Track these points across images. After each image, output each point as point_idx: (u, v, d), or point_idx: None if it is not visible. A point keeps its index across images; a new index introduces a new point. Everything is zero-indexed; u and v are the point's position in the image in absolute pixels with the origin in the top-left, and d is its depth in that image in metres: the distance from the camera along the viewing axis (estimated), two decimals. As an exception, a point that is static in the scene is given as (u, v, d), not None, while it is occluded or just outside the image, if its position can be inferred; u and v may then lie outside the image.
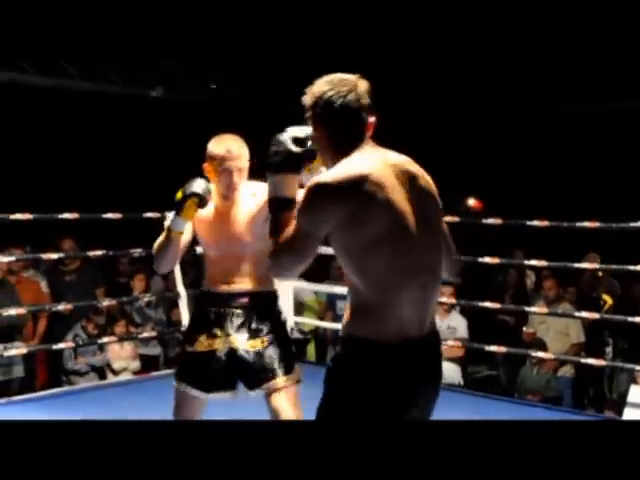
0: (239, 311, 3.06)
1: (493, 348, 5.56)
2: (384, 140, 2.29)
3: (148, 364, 6.58)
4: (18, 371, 6.01)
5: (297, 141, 2.23)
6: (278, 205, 2.20)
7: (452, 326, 6.23)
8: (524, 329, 6.36)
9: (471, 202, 11.22)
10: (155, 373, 6.19)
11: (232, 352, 3.04)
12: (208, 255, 3.18)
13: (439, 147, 10.24)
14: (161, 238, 3.05)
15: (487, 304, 5.65)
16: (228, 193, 3.06)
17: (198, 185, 2.97)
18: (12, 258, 5.91)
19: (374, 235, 2.06)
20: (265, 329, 3.07)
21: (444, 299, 6.10)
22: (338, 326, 6.53)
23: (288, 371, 3.09)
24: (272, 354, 3.06)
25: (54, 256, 5.92)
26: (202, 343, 3.09)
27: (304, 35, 8.81)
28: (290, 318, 6.42)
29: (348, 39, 8.74)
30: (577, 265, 5.34)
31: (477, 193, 10.86)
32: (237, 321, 3.06)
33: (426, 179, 2.24)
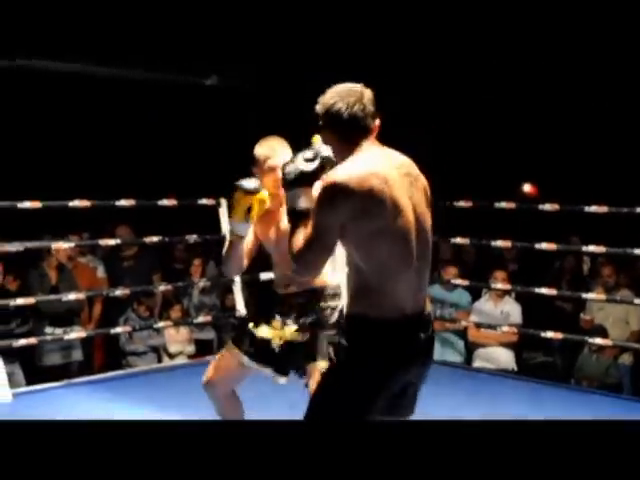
0: (293, 307, 3.23)
1: (549, 334, 5.49)
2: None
3: (203, 348, 6.67)
4: (77, 355, 6.14)
5: (308, 160, 2.55)
6: (295, 216, 2.51)
7: (506, 311, 6.16)
8: (582, 316, 6.25)
9: (527, 188, 11.09)
10: (209, 357, 6.25)
11: (284, 344, 3.23)
12: (270, 253, 3.33)
13: (497, 133, 10.13)
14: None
15: (543, 290, 5.58)
16: (276, 190, 3.14)
17: (244, 181, 3.11)
18: (71, 244, 6.03)
19: (378, 226, 2.34)
20: (312, 322, 3.22)
21: (498, 285, 6.05)
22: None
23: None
24: (319, 343, 3.21)
25: (111, 242, 6.03)
26: (262, 330, 3.27)
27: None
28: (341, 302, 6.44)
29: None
30: (637, 251, 5.22)
31: (533, 179, 10.74)
32: (291, 316, 3.23)
33: (422, 178, 2.53)
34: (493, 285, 6.08)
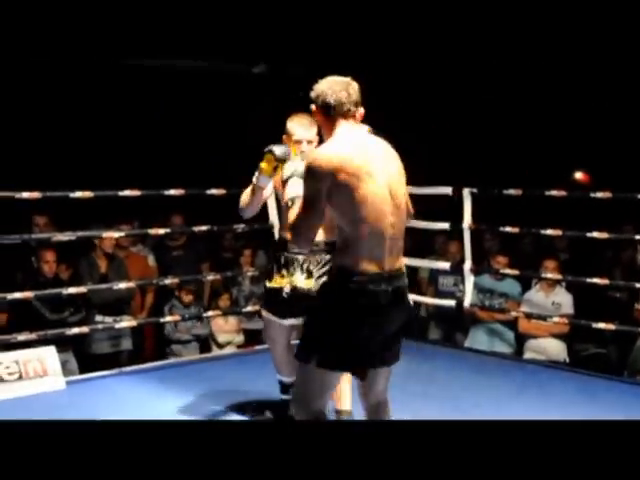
0: (300, 257, 3.82)
1: (601, 325, 5.39)
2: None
3: (252, 338, 6.69)
4: (127, 343, 6.21)
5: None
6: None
7: (557, 302, 6.06)
8: (636, 306, 6.12)
9: (579, 175, 10.91)
10: (258, 347, 6.28)
11: (293, 289, 3.82)
12: (284, 211, 3.82)
13: (550, 121, 9.98)
14: (247, 190, 3.82)
15: (595, 280, 5.47)
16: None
17: (276, 147, 3.65)
18: (122, 233, 6.09)
19: (353, 195, 2.80)
20: (318, 272, 3.80)
21: (548, 275, 5.95)
22: (439, 302, 6.53)
23: None
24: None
25: (161, 231, 6.06)
26: (275, 281, 3.90)
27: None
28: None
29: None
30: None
31: (585, 166, 10.56)
32: (298, 265, 3.83)
33: (396, 158, 2.99)
34: (544, 275, 5.99)
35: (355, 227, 2.83)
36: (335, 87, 2.94)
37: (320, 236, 3.66)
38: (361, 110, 3.00)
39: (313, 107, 2.99)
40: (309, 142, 3.78)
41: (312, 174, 2.85)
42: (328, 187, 2.81)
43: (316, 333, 2.94)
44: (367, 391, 3.10)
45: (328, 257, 3.81)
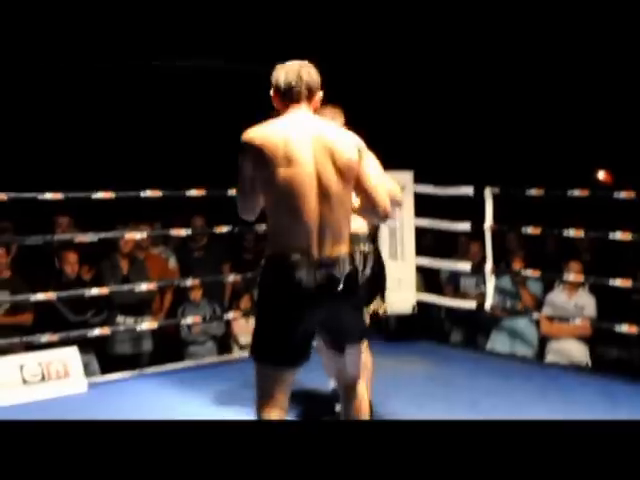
0: None
1: (624, 328, 5.34)
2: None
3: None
4: (147, 345, 6.24)
5: None
6: None
7: (580, 304, 6.00)
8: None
9: (601, 175, 10.81)
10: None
11: None
12: None
13: (573, 120, 9.90)
14: None
15: (618, 282, 5.42)
16: None
17: None
18: (143, 235, 6.11)
19: (280, 180, 2.75)
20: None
21: (571, 276, 5.90)
22: (460, 303, 6.49)
23: (366, 303, 3.75)
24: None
25: (182, 233, 6.07)
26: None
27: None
28: (412, 294, 6.40)
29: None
30: None
31: (608, 166, 10.47)
32: None
33: (340, 145, 2.84)
34: (566, 276, 5.94)
35: (277, 213, 2.80)
36: (287, 71, 2.91)
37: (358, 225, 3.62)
38: (319, 94, 2.95)
39: (271, 92, 2.96)
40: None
41: (240, 151, 2.84)
42: (251, 165, 2.81)
43: (255, 325, 2.93)
44: (336, 372, 3.06)
45: (367, 248, 3.81)
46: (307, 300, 2.78)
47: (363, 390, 3.07)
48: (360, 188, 2.90)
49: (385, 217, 2.96)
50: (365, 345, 3.66)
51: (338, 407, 3.94)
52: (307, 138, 2.81)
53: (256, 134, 2.82)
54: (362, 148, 2.92)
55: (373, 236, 4.01)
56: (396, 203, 3.89)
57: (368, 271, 3.84)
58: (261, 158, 2.77)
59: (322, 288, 2.79)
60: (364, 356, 3.57)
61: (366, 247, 3.83)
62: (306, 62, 2.96)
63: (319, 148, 2.81)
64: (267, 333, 2.83)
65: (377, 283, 4.00)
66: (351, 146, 2.87)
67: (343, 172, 2.82)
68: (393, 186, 3.61)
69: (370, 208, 2.92)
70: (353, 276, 2.87)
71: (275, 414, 2.84)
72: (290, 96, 2.90)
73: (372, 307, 3.97)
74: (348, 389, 3.04)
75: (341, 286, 2.83)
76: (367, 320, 3.80)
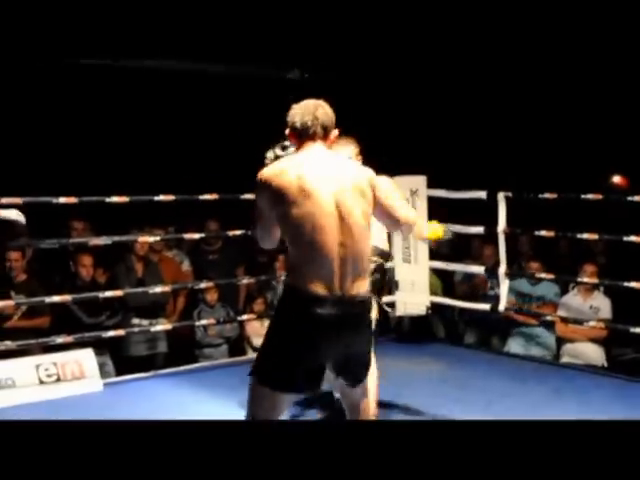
0: None
1: (639, 330, 5.32)
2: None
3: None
4: (162, 346, 6.26)
5: (283, 147, 3.19)
6: None
7: (595, 306, 6.00)
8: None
9: (616, 179, 10.77)
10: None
11: None
12: None
13: (587, 124, 9.88)
14: None
15: (633, 284, 5.40)
16: None
17: None
18: (156, 238, 6.16)
19: (297, 215, 2.81)
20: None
21: (585, 279, 5.89)
22: (474, 305, 6.46)
23: None
24: None
25: (195, 236, 6.11)
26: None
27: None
28: (426, 296, 6.41)
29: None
30: None
31: (623, 170, 10.42)
32: None
33: (354, 178, 2.94)
34: (582, 279, 5.93)
35: (297, 246, 2.84)
36: (303, 111, 3.01)
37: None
38: (334, 132, 3.05)
39: (287, 131, 3.05)
40: None
41: (256, 189, 2.93)
42: (268, 203, 2.88)
43: (262, 347, 2.98)
44: (343, 398, 3.13)
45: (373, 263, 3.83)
46: (325, 334, 2.82)
47: (370, 410, 3.16)
48: (380, 213, 3.04)
49: (409, 228, 3.15)
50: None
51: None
52: (322, 172, 2.88)
53: (270, 172, 2.89)
54: (374, 178, 3.03)
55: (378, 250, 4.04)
56: (407, 228, 3.96)
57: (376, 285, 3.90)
58: (277, 195, 2.83)
59: (342, 323, 2.82)
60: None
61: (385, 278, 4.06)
62: (321, 102, 3.05)
63: (335, 182, 2.88)
64: (279, 359, 2.85)
65: (379, 292, 4.04)
66: (364, 178, 2.97)
67: (360, 203, 2.90)
68: (409, 211, 3.71)
69: (393, 226, 3.13)
70: (368, 313, 2.96)
71: None
72: (306, 135, 2.99)
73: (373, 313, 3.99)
74: (359, 407, 3.11)
75: (359, 323, 2.91)
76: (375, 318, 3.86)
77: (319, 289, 2.79)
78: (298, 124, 2.99)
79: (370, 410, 3.16)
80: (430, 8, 8.84)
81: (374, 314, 3.87)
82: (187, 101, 9.29)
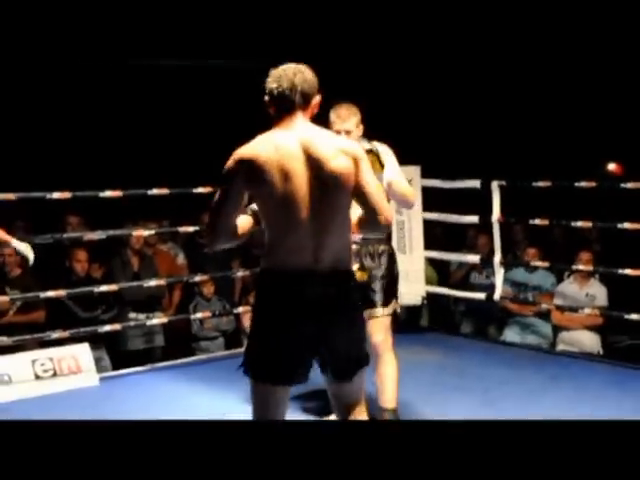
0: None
1: (634, 316, 5.33)
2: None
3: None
4: (159, 340, 6.27)
5: None
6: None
7: (591, 294, 6.00)
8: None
9: (611, 166, 10.79)
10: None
11: None
12: None
13: (579, 112, 9.89)
14: None
15: (627, 271, 5.41)
16: None
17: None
18: (151, 232, 6.15)
19: (265, 191, 2.68)
20: (370, 263, 3.90)
21: (581, 266, 5.90)
22: (470, 294, 6.47)
23: (385, 304, 3.93)
24: (375, 287, 3.90)
25: (189, 229, 6.10)
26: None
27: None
28: (421, 286, 6.41)
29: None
30: None
31: (617, 157, 10.44)
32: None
33: (334, 155, 2.73)
34: (577, 266, 5.94)
35: (272, 227, 2.71)
36: (281, 78, 2.77)
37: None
38: (316, 99, 2.83)
39: (265, 97, 2.83)
40: (347, 132, 3.70)
41: (228, 168, 2.74)
42: (243, 181, 2.70)
43: (247, 340, 2.87)
44: (333, 397, 2.89)
45: (382, 248, 3.94)
46: (305, 313, 2.68)
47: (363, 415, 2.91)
48: (359, 198, 2.78)
49: (387, 226, 2.84)
50: (390, 346, 3.91)
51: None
52: (300, 150, 2.70)
53: (248, 151, 2.72)
54: (359, 156, 2.78)
55: (388, 235, 4.02)
56: (407, 204, 4.05)
57: (383, 270, 3.93)
58: (255, 175, 2.67)
59: (321, 301, 2.69)
60: (390, 358, 3.90)
61: (380, 248, 3.93)
62: (301, 66, 2.82)
63: (313, 159, 2.70)
64: (263, 348, 2.72)
65: (394, 283, 4.02)
66: (346, 155, 2.74)
67: (339, 182, 2.71)
68: (406, 187, 3.81)
69: (371, 218, 2.79)
70: (353, 290, 2.80)
71: None
72: (284, 105, 2.77)
73: (391, 307, 3.98)
74: (351, 407, 2.87)
75: (341, 300, 2.73)
76: (388, 322, 3.91)
77: (296, 266, 2.67)
78: (275, 92, 2.77)
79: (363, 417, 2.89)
80: (419, 2, 8.84)
81: (390, 308, 3.94)
82: (179, 94, 9.29)
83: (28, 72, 8.19)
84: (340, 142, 2.84)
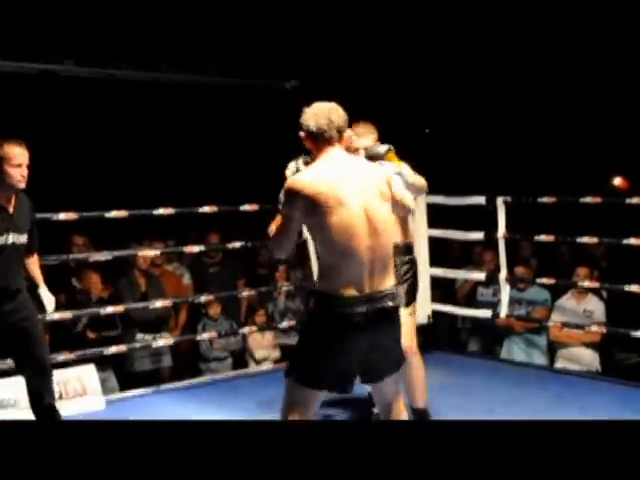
0: None
1: (638, 333, 5.30)
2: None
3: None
4: (167, 360, 6.27)
5: (306, 162, 3.46)
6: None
7: (588, 310, 5.95)
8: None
9: (617, 181, 10.77)
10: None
11: None
12: None
13: (584, 128, 9.89)
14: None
15: (633, 287, 5.37)
16: None
17: (376, 146, 4.04)
18: (157, 252, 6.16)
19: (324, 220, 2.94)
20: (398, 271, 3.98)
21: (579, 282, 5.86)
22: (475, 312, 6.44)
23: (407, 304, 4.16)
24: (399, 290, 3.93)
25: (195, 249, 6.10)
26: None
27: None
28: (427, 305, 6.38)
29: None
30: None
31: (623, 172, 10.43)
32: None
33: (377, 180, 3.11)
34: (580, 283, 5.91)
35: (330, 253, 2.98)
36: (317, 115, 3.09)
37: (399, 238, 4.09)
38: (347, 132, 3.19)
39: (302, 134, 3.14)
40: (365, 149, 3.99)
41: (288, 198, 3.02)
42: (302, 213, 2.98)
43: (298, 350, 3.16)
44: (377, 397, 3.27)
45: (407, 258, 4.21)
46: (358, 332, 2.96)
47: (402, 409, 3.27)
48: (395, 205, 3.27)
49: (408, 211, 3.62)
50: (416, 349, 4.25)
51: (375, 411, 4.10)
52: (349, 178, 3.01)
53: (304, 183, 2.98)
54: (389, 176, 3.26)
55: (409, 245, 4.31)
56: (421, 190, 4.34)
57: (411, 278, 4.24)
58: (312, 205, 2.94)
59: (372, 319, 2.97)
60: (417, 361, 4.24)
61: (406, 257, 4.23)
62: (334, 104, 3.15)
63: (361, 187, 3.01)
64: (320, 362, 2.99)
65: (415, 287, 4.31)
66: (383, 178, 3.15)
67: (384, 204, 3.07)
68: (418, 179, 4.16)
69: (402, 210, 3.49)
70: (397, 308, 3.10)
71: None
72: (323, 139, 3.08)
73: (413, 309, 4.26)
74: (392, 405, 3.23)
75: (388, 314, 3.04)
76: (413, 324, 4.24)
77: (351, 292, 2.95)
78: (314, 128, 3.08)
79: (403, 411, 3.26)
80: (425, 15, 8.85)
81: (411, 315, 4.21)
82: (183, 113, 9.31)
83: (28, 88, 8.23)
84: (376, 168, 3.27)
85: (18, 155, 3.89)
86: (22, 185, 3.92)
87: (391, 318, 3.08)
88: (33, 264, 4.27)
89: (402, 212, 3.65)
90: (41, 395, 4.05)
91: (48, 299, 4.35)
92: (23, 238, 3.99)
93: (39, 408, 4.06)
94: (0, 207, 3.90)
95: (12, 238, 3.92)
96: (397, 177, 3.72)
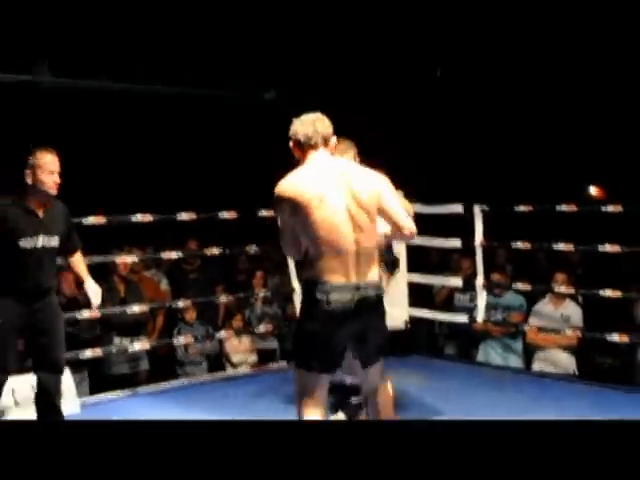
0: None
1: (615, 337, 5.36)
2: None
3: (266, 358, 6.71)
4: (144, 364, 6.26)
5: None
6: None
7: (565, 314, 6.03)
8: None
9: (593, 190, 10.87)
10: (272, 365, 6.31)
11: None
12: None
13: (560, 137, 9.97)
14: None
15: (608, 293, 5.44)
16: None
17: None
18: (134, 258, 6.16)
19: (315, 219, 3.12)
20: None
21: (563, 288, 5.92)
22: (452, 317, 6.49)
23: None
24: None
25: (173, 255, 6.10)
26: None
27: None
28: (405, 310, 6.41)
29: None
30: None
31: (600, 181, 10.52)
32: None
33: (365, 180, 3.26)
34: (556, 288, 5.97)
35: (314, 246, 3.16)
36: (304, 124, 3.29)
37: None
38: (333, 140, 3.33)
39: (290, 144, 3.32)
40: None
41: (275, 203, 3.24)
42: (288, 214, 3.18)
43: (293, 336, 3.39)
44: (363, 383, 3.46)
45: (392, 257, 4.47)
46: (346, 317, 3.15)
47: (387, 392, 3.46)
48: (386, 217, 3.31)
49: (412, 236, 3.41)
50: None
51: (354, 399, 4.32)
52: (333, 178, 3.19)
53: (286, 185, 3.18)
54: (382, 179, 3.35)
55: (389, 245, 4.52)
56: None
57: (399, 273, 4.56)
58: (295, 205, 3.13)
59: (360, 306, 3.15)
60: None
61: (392, 255, 4.55)
62: (319, 114, 3.32)
63: (345, 186, 3.18)
64: (311, 345, 3.21)
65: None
66: (371, 181, 3.27)
67: (369, 205, 3.21)
68: (406, 205, 4.10)
69: (398, 232, 3.35)
70: (381, 297, 3.27)
71: (319, 412, 3.25)
72: (308, 147, 3.27)
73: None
74: (371, 394, 3.43)
75: (377, 303, 3.23)
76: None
77: (338, 279, 3.14)
78: (301, 136, 3.27)
79: (389, 395, 3.45)
80: (412, 25, 8.92)
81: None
82: (162, 122, 9.32)
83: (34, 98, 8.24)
84: (365, 171, 3.35)
85: (50, 162, 4.12)
86: (54, 191, 4.11)
87: (376, 307, 3.24)
88: (77, 262, 4.48)
89: (399, 236, 3.48)
90: (49, 394, 4.18)
91: (94, 292, 4.45)
92: (54, 241, 4.13)
93: (44, 406, 4.19)
94: (30, 211, 4.07)
95: (42, 241, 4.07)
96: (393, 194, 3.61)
